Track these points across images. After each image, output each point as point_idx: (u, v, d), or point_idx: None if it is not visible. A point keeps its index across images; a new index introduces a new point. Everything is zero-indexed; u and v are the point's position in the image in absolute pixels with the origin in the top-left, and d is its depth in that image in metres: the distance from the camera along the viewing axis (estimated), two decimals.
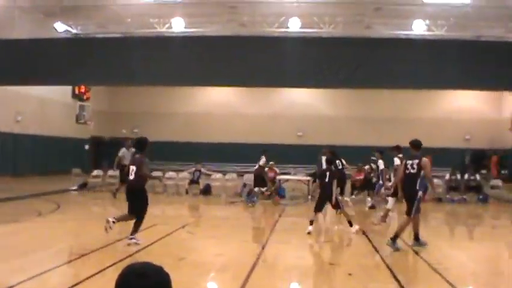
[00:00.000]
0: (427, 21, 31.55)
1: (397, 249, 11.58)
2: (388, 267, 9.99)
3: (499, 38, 31.21)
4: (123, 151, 22.66)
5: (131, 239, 11.45)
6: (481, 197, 23.81)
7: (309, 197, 23.75)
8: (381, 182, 19.53)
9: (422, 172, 11.90)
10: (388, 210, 16.67)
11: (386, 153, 19.03)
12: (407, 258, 11.22)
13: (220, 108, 41.80)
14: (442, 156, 30.73)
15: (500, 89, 31.93)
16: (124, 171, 22.36)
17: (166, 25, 31.17)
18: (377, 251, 11.62)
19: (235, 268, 9.72)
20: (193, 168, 25.16)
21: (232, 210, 20.62)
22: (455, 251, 12.80)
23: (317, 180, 15.81)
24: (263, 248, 11.62)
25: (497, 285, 9.45)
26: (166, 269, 2.48)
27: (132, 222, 11.61)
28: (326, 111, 42.03)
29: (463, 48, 24.56)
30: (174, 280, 2.49)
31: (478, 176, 25.03)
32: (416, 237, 12.27)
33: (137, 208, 11.62)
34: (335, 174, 14.85)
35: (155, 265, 2.50)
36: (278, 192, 24.02)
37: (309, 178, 25.05)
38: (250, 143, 38.56)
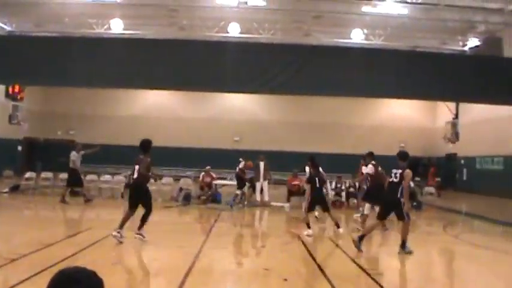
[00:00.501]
0: (365, 31, 32.08)
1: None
2: (322, 272, 10.07)
3: (434, 49, 32.01)
4: (73, 154, 22.24)
5: (138, 234, 12.52)
6: (415, 203, 24.23)
7: (245, 202, 23.79)
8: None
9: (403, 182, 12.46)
10: (366, 215, 16.84)
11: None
12: (342, 263, 11.34)
13: (157, 111, 41.51)
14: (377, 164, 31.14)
15: (434, 99, 32.77)
16: (75, 175, 22.17)
17: (105, 26, 30.80)
18: (312, 257, 11.70)
19: (169, 273, 9.63)
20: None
21: (167, 215, 20.43)
22: (389, 256, 13.02)
23: (306, 185, 16.55)
24: (198, 253, 11.56)
25: None
26: (100, 273, 2.43)
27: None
28: (263, 116, 42.22)
29: (400, 57, 25.08)
30: (108, 285, 2.44)
31: (412, 184, 25.48)
32: (403, 244, 12.66)
33: (143, 204, 12.86)
34: (324, 178, 16.02)
35: (87, 270, 2.45)
36: (216, 197, 24.01)
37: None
38: (187, 147, 38.48)
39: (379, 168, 16.98)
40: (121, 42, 25.41)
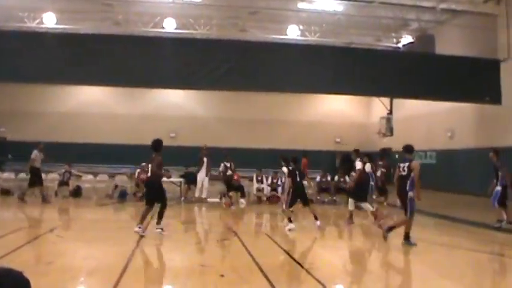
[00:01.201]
0: (301, 27, 32.27)
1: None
2: (259, 267, 10.08)
3: (369, 45, 32.47)
4: (35, 153, 21.79)
5: (157, 228, 13.62)
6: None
7: (182, 198, 23.66)
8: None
9: (412, 174, 12.84)
10: (351, 211, 17.38)
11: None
12: (279, 258, 11.38)
13: (91, 107, 40.68)
14: (313, 158, 31.43)
15: (369, 94, 33.27)
16: (35, 174, 21.68)
17: (37, 20, 30.04)
18: (249, 252, 11.69)
19: (105, 272, 9.46)
20: (63, 170, 24.40)
21: (103, 213, 20.14)
22: (326, 250, 13.15)
23: (287, 180, 16.83)
24: (134, 251, 11.42)
25: (365, 282, 9.76)
26: (33, 273, 2.35)
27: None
28: (199, 112, 42.01)
29: (335, 54, 25.42)
30: (41, 285, 2.37)
31: (347, 178, 25.78)
32: (407, 237, 13.15)
33: (158, 200, 13.92)
34: (304, 174, 16.60)
35: (14, 270, 2.36)
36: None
37: (181, 180, 24.91)
38: (122, 144, 37.93)
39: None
40: (54, 37, 24.84)
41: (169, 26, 30.27)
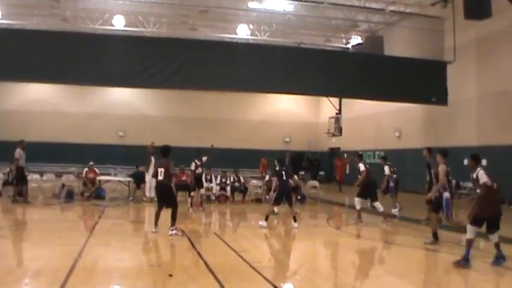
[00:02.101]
0: (251, 26, 32.30)
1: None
2: (208, 267, 10.04)
3: (318, 46, 32.69)
4: (18, 152, 21.32)
5: (172, 230, 13.88)
6: (299, 197, 24.70)
7: (130, 198, 23.42)
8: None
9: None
10: (359, 210, 17.97)
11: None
12: (228, 258, 11.33)
13: (37, 105, 39.99)
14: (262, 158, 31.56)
15: (318, 94, 33.50)
16: (20, 173, 21.19)
17: None
18: (198, 252, 11.64)
19: (51, 273, 9.26)
20: (8, 169, 23.83)
21: (49, 213, 19.76)
22: (274, 249, 13.19)
23: (273, 178, 17.38)
24: (81, 251, 11.23)
25: (313, 280, 9.78)
26: None
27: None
28: (148, 111, 41.78)
29: (285, 53, 25.51)
30: None
31: (296, 177, 25.89)
32: (435, 235, 13.58)
33: (170, 202, 14.33)
34: (291, 173, 17.44)
35: None
36: (100, 194, 23.52)
37: (129, 179, 24.67)
38: (69, 143, 37.43)
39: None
40: None
41: (119, 24, 29.94)
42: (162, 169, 14.25)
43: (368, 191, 18.01)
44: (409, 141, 31.92)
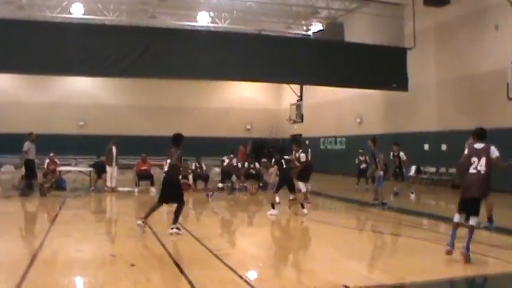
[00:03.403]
0: (212, 14, 32.15)
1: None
2: (170, 255, 10.01)
3: (280, 33, 32.69)
4: (27, 145, 21.15)
5: (173, 228, 12.36)
6: (261, 184, 24.75)
7: (91, 188, 23.23)
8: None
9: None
10: (306, 193, 18.19)
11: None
12: (189, 246, 11.29)
13: None
14: (224, 145, 31.47)
15: (280, 81, 33.53)
16: (30, 167, 20.75)
17: None
18: (160, 241, 11.58)
19: (9, 266, 9.10)
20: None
21: (9, 205, 19.44)
22: (236, 237, 13.21)
23: (275, 167, 18.08)
24: (42, 243, 11.08)
25: (276, 266, 9.82)
26: None
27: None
28: (109, 100, 41.38)
29: (246, 41, 25.43)
30: None
31: (257, 164, 25.93)
32: (490, 219, 13.65)
33: (175, 199, 12.72)
34: (290, 162, 17.04)
35: None
36: (61, 185, 23.27)
37: (91, 169, 24.44)
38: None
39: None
40: None
41: (77, 12, 29.53)
42: (169, 160, 13.04)
43: (306, 174, 18.42)
44: (370, 127, 32.18)
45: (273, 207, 16.27)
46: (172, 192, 12.82)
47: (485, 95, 23.97)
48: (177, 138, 13.21)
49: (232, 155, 24.48)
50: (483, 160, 9.65)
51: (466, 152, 10.02)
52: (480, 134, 10.13)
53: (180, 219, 12.84)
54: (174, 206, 12.66)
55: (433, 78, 27.66)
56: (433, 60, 27.74)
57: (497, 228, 13.36)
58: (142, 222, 12.66)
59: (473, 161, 9.74)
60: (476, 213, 9.75)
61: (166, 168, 13.01)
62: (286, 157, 16.98)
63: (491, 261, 9.85)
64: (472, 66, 25.02)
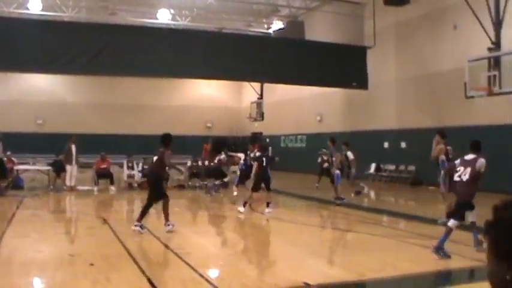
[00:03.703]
0: (172, 11, 31.99)
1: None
2: (130, 255, 9.92)
3: (240, 31, 32.66)
4: None
5: (168, 225, 12.56)
6: (222, 182, 24.68)
7: (50, 187, 22.93)
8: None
9: None
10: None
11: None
12: (150, 245, 11.23)
13: None
14: (184, 143, 31.38)
15: (240, 79, 33.52)
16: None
17: None
18: (120, 240, 11.47)
19: None
20: None
21: None
22: (197, 235, 13.15)
23: (253, 164, 17.79)
24: None
25: (236, 264, 9.79)
26: None
27: None
28: (68, 98, 40.82)
29: (207, 38, 25.31)
30: None
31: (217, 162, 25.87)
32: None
33: (156, 194, 12.79)
34: (271, 159, 17.58)
35: None
36: (18, 183, 22.90)
37: (49, 168, 24.12)
38: None
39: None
40: None
41: (35, 8, 29.09)
42: (155, 158, 13.35)
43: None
44: (330, 125, 32.34)
45: (244, 206, 16.20)
46: (153, 189, 13.03)
47: (444, 94, 24.27)
48: (165, 138, 13.25)
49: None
50: (468, 169, 10.02)
51: (457, 161, 10.56)
52: (472, 146, 10.47)
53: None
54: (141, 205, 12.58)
55: (393, 77, 27.91)
56: (392, 59, 28.00)
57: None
58: (169, 224, 12.63)
59: (459, 169, 10.20)
60: (471, 209, 10.04)
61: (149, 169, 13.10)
62: (268, 155, 17.08)
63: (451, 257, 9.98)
64: (431, 65, 25.32)
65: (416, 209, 18.39)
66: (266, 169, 16.50)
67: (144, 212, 12.64)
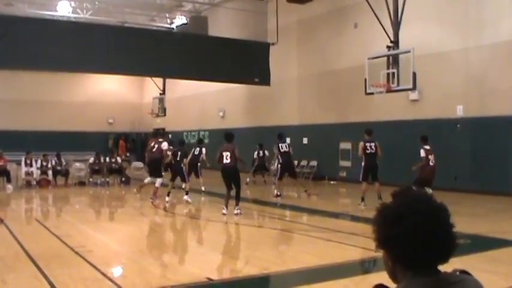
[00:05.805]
0: (73, 4, 31.25)
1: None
2: (28, 254, 9.59)
3: (143, 25, 32.27)
4: None
5: (238, 209, 14.78)
6: (123, 179, 24.40)
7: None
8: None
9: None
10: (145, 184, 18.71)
11: None
12: (50, 244, 10.91)
13: None
14: (85, 140, 30.80)
15: (142, 74, 33.17)
16: None
17: None
18: (17, 240, 11.09)
19: None
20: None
21: None
22: (99, 233, 12.89)
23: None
24: None
25: (139, 262, 9.64)
26: None
27: None
28: None
29: (108, 33, 24.82)
30: None
31: (119, 159, 25.54)
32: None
33: (237, 183, 15.07)
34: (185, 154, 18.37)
35: None
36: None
37: None
38: None
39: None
40: None
41: None
42: (228, 153, 14.85)
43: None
44: (233, 121, 32.46)
45: (187, 193, 17.66)
46: (234, 179, 15.10)
47: (345, 91, 24.78)
48: (230, 135, 15.54)
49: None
50: (432, 156, 15.08)
51: (423, 153, 15.07)
52: (423, 138, 15.47)
53: (40, 216, 12.34)
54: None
55: (295, 74, 28.28)
56: (295, 56, 28.36)
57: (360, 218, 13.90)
58: (238, 209, 14.87)
59: (430, 158, 14.99)
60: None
61: (227, 160, 14.79)
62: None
63: (350, 249, 10.18)
64: (333, 62, 25.80)
65: (318, 203, 18.71)
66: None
67: (239, 197, 15.13)
